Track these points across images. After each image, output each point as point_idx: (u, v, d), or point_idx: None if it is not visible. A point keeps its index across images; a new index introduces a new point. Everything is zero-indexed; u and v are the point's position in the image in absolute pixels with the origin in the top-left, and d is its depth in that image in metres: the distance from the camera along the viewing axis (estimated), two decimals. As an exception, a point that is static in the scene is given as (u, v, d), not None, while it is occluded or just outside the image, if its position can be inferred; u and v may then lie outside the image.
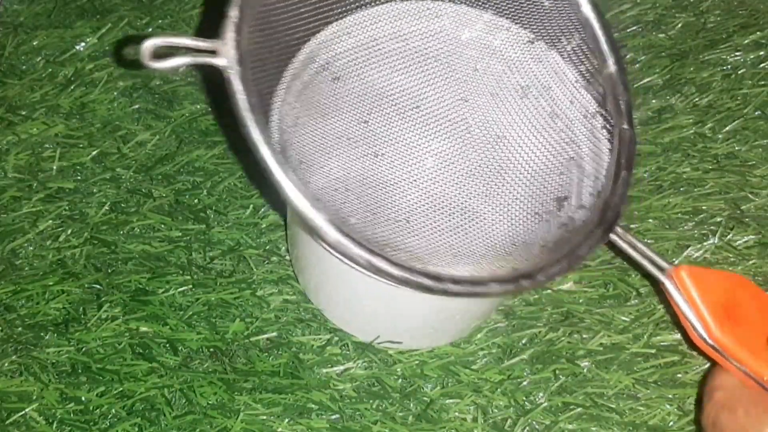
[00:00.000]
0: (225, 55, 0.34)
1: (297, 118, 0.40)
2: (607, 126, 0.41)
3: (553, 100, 0.42)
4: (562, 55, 0.42)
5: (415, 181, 0.46)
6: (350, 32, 0.43)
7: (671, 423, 0.44)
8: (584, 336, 0.47)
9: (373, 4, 0.43)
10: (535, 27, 0.42)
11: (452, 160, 0.46)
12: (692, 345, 0.40)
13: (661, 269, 0.39)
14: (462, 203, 0.45)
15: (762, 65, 0.57)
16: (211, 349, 0.45)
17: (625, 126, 0.40)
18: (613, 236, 0.39)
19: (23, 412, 0.43)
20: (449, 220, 0.44)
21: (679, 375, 0.46)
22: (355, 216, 0.42)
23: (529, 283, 0.37)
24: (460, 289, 0.36)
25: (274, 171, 0.34)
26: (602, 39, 0.41)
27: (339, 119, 0.44)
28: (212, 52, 0.34)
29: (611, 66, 0.41)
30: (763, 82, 0.57)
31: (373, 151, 0.45)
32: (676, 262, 0.49)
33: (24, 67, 0.54)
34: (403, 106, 0.45)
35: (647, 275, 0.39)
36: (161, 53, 0.34)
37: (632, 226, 0.50)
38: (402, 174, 0.46)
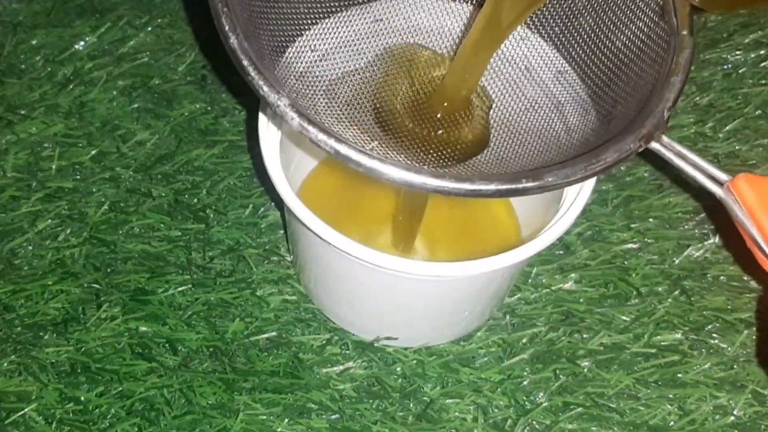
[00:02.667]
0: None
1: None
2: (664, 34, 0.36)
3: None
4: None
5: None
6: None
7: (672, 423, 0.44)
8: (585, 336, 0.47)
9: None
10: None
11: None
12: (756, 272, 0.36)
13: (718, 182, 0.34)
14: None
15: (763, 64, 0.57)
16: (211, 349, 0.45)
17: (685, 32, 0.36)
18: (656, 145, 0.34)
19: (22, 412, 0.43)
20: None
21: (679, 375, 0.46)
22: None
23: (532, 184, 0.32)
24: (440, 184, 0.31)
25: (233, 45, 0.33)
26: None
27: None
28: None
29: None
30: (763, 81, 0.57)
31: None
32: (677, 261, 0.49)
33: (23, 66, 0.54)
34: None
35: (702, 190, 0.34)
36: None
37: (632, 225, 0.50)
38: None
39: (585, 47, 0.40)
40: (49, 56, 0.54)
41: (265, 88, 0.33)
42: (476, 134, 0.40)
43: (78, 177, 0.50)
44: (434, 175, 0.31)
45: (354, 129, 0.38)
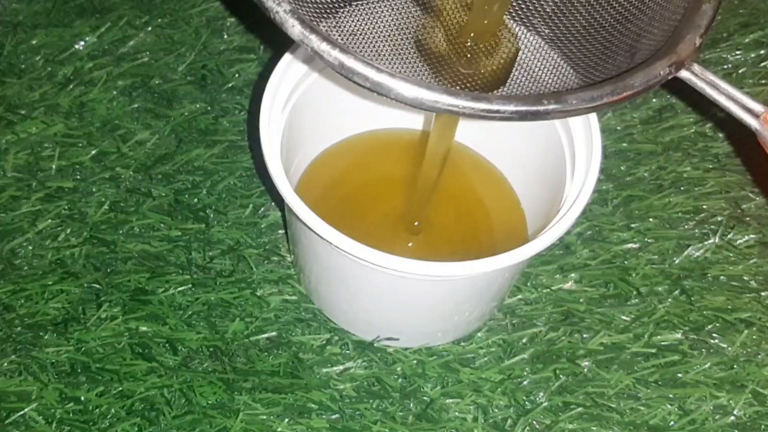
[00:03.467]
0: None
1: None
2: None
3: None
4: None
5: None
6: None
7: (672, 423, 0.44)
8: (585, 335, 0.47)
9: None
10: None
11: None
12: None
13: (753, 114, 0.32)
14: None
15: (762, 64, 0.57)
16: (211, 349, 0.45)
17: None
18: (686, 74, 0.32)
19: (22, 412, 0.43)
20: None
21: (679, 375, 0.46)
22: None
23: (555, 106, 0.29)
24: (454, 102, 0.28)
25: None
26: None
27: None
28: None
29: None
30: (763, 81, 0.57)
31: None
32: (677, 261, 0.49)
33: (23, 66, 0.54)
34: None
35: (734, 120, 0.33)
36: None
37: (632, 225, 0.50)
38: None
39: None
40: (49, 56, 0.54)
41: None
42: (492, 70, 0.38)
43: (78, 177, 0.50)
44: (448, 92, 0.29)
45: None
